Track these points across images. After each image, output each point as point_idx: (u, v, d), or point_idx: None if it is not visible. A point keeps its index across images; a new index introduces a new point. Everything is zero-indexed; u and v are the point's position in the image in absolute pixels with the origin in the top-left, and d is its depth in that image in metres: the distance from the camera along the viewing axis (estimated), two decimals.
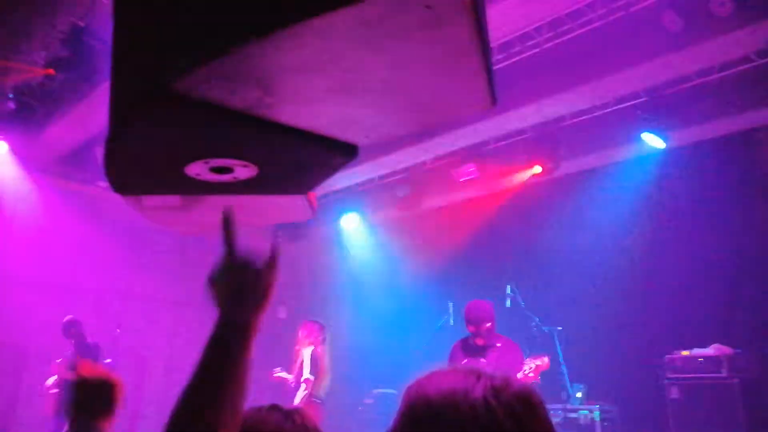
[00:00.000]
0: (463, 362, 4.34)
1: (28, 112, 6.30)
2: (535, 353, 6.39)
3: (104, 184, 7.53)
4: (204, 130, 0.90)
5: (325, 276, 9.09)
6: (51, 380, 6.10)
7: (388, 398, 6.95)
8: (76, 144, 7.04)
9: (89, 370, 1.35)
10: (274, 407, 1.24)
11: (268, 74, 0.79)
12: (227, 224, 1.08)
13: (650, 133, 5.77)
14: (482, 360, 4.23)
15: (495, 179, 7.07)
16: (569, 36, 5.04)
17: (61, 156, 7.29)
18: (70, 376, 1.32)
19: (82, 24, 5.43)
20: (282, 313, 8.65)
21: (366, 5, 0.65)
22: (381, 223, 8.55)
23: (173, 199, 1.22)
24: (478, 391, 0.87)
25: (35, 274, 7.31)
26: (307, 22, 0.66)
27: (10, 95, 6.05)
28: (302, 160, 1.06)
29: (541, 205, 6.87)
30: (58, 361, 6.08)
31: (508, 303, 6.41)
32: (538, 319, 6.34)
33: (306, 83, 0.82)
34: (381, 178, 7.71)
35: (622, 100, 5.82)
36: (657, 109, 5.54)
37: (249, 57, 0.74)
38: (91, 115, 6.30)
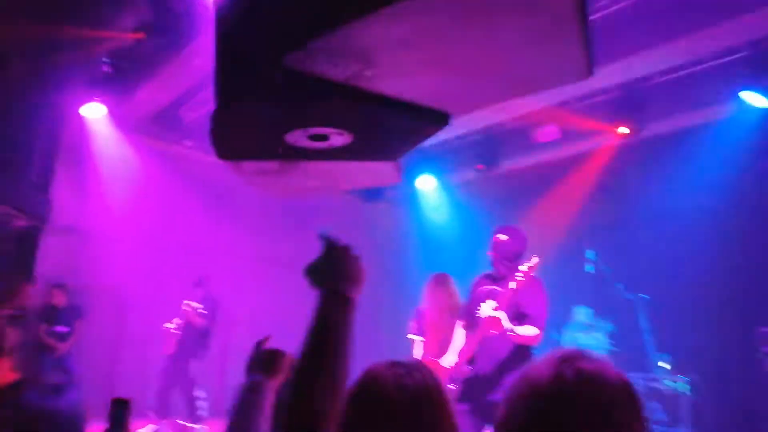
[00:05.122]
0: (483, 288, 4.00)
1: (121, 74, 6.64)
2: (609, 322, 6.26)
3: (190, 143, 7.89)
4: (305, 101, 0.95)
5: (402, 237, 9.19)
6: (173, 323, 6.61)
7: None
8: (163, 104, 7.37)
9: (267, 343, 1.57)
10: (395, 362, 1.28)
11: (370, 48, 0.81)
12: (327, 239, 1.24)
13: (750, 90, 5.38)
14: (499, 288, 3.87)
15: (578, 140, 6.84)
16: None
17: (151, 116, 7.66)
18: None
19: None
20: None
21: None
22: (458, 185, 8.50)
23: (271, 164, 1.28)
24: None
25: (130, 228, 7.82)
26: None
27: (105, 60, 6.39)
28: (395, 128, 1.09)
29: (628, 168, 6.60)
30: (185, 305, 6.56)
31: (590, 268, 6.28)
32: (622, 285, 6.18)
33: (405, 57, 0.84)
34: (459, 138, 7.62)
35: (719, 55, 5.44)
36: (759, 64, 5.15)
37: (353, 33, 0.76)
38: (177, 77, 6.57)
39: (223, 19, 1.00)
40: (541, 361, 0.95)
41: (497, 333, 3.64)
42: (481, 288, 4.05)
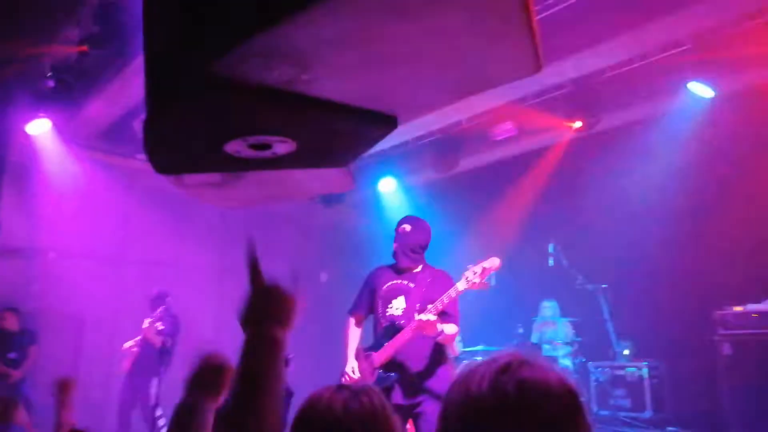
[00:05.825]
0: (390, 283, 3.77)
1: (66, 89, 6.40)
2: (570, 313, 6.31)
3: (143, 157, 7.67)
4: (241, 109, 0.89)
5: (364, 240, 9.14)
6: (131, 342, 6.41)
7: None
8: (114, 118, 7.15)
9: (211, 354, 1.48)
10: (341, 387, 1.26)
11: (304, 50, 0.76)
12: (251, 257, 1.15)
13: (696, 82, 5.52)
14: (410, 284, 3.69)
15: (534, 136, 6.92)
16: None
17: (101, 131, 7.43)
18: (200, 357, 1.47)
19: None
20: (323, 278, 8.78)
21: None
22: (418, 186, 8.50)
23: (213, 177, 1.22)
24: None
25: (85, 247, 7.56)
26: None
27: (49, 74, 6.16)
28: (341, 133, 1.04)
29: (583, 161, 6.69)
30: (146, 323, 6.36)
31: (550, 262, 6.33)
32: (582, 277, 6.26)
33: (341, 58, 0.79)
34: (417, 139, 7.62)
35: (665, 48, 5.57)
36: (703, 56, 5.28)
37: (284, 34, 0.71)
38: (126, 89, 6.37)
39: (148, 25, 0.94)
40: (478, 372, 0.88)
41: (431, 336, 3.44)
42: (390, 285, 3.78)
